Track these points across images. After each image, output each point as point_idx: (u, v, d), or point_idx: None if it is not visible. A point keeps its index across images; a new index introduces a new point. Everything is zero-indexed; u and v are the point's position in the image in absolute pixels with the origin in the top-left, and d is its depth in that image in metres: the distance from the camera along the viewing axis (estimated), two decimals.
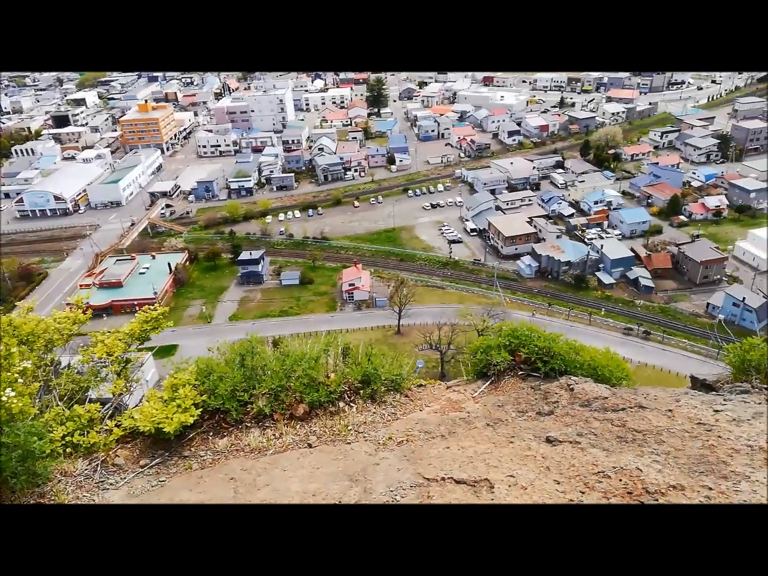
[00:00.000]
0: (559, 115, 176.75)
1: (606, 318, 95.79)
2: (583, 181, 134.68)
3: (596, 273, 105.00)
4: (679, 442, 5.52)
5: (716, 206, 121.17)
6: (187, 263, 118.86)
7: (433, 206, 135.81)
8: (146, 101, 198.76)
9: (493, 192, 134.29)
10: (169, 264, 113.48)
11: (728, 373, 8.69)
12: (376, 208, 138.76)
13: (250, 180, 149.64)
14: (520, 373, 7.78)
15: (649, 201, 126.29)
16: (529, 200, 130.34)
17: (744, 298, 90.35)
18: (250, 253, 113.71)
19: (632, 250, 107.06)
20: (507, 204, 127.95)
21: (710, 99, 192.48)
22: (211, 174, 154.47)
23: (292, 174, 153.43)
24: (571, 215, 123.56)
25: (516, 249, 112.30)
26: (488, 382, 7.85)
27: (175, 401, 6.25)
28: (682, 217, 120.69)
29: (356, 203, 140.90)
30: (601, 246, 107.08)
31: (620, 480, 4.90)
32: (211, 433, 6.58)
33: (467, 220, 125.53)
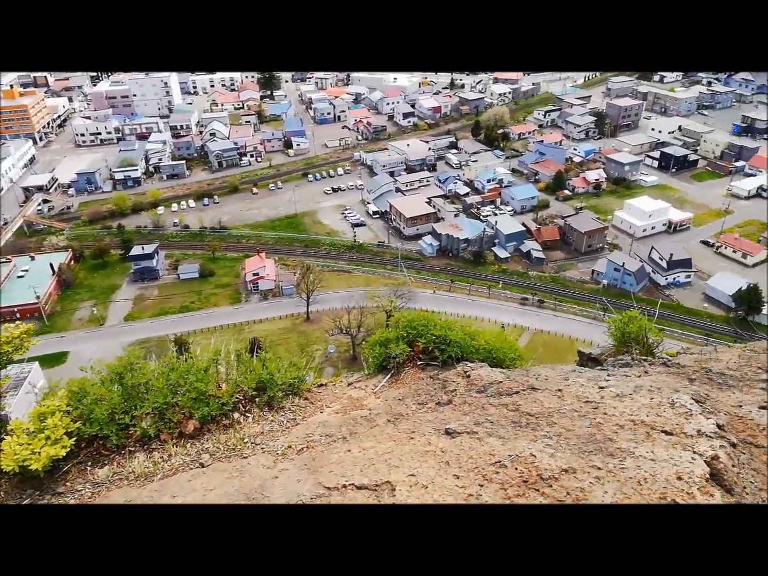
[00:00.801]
0: (450, 96, 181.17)
1: (504, 290, 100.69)
2: (476, 160, 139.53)
3: (492, 248, 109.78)
4: (569, 422, 5.64)
5: (596, 180, 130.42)
6: (72, 262, 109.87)
7: (335, 190, 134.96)
8: (11, 87, 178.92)
9: (392, 174, 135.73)
10: (51, 265, 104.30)
11: (611, 344, 9.24)
12: (275, 194, 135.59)
13: (137, 169, 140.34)
14: (419, 363, 7.73)
15: (537, 177, 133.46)
16: (427, 181, 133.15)
17: (623, 263, 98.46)
18: (143, 248, 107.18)
19: (523, 224, 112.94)
20: (406, 185, 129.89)
21: (587, 79, 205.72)
22: (92, 164, 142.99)
23: (183, 161, 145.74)
24: (467, 194, 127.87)
25: (417, 229, 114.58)
26: (388, 376, 7.72)
27: (43, 432, 5.59)
28: (566, 191, 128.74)
29: (255, 190, 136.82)
30: (496, 222, 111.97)
31: (516, 469, 4.95)
32: (90, 463, 5.92)
33: (369, 203, 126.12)
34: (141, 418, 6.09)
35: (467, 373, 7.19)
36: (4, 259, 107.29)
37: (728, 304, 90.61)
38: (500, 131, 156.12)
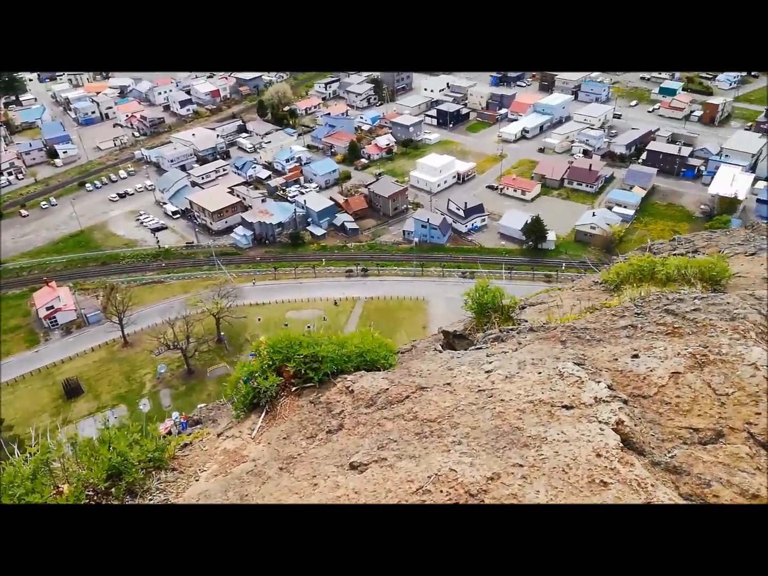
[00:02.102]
0: (226, 78, 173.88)
1: (328, 267, 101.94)
2: (270, 141, 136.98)
3: (307, 227, 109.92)
4: (471, 418, 5.42)
5: (387, 144, 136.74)
6: None
7: (122, 196, 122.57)
8: None
9: (183, 168, 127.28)
10: None
11: (470, 317, 9.41)
12: (51, 212, 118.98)
13: None
14: (294, 389, 6.95)
15: (333, 150, 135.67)
16: (224, 170, 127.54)
17: (428, 219, 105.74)
18: None
19: (331, 198, 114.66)
20: (202, 178, 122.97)
21: None
22: None
23: None
24: (269, 177, 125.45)
25: (226, 222, 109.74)
26: (263, 414, 6.83)
27: None
28: (363, 160, 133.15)
29: (23, 212, 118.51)
30: (305, 201, 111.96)
31: (441, 491, 4.61)
32: None
33: (165, 203, 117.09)
34: None
35: (349, 388, 6.59)
36: None
37: (519, 238, 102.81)
38: (286, 108, 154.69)
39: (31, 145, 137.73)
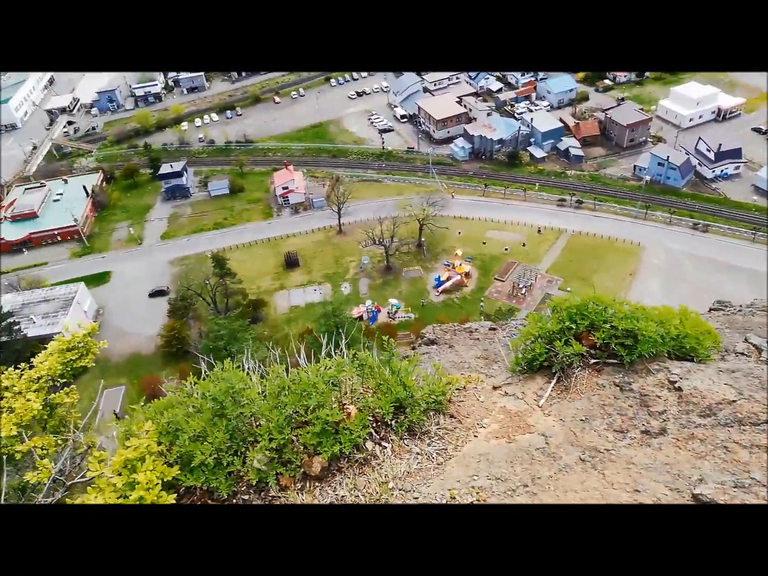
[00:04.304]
0: None
1: (540, 192, 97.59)
2: None
3: (528, 148, 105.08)
4: None
5: None
6: (104, 184, 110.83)
7: (359, 94, 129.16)
8: None
9: (419, 73, 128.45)
10: (84, 187, 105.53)
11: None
12: (298, 102, 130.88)
13: (156, 84, 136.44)
14: (593, 362, 5.72)
15: None
16: (457, 78, 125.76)
17: (668, 157, 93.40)
18: (171, 166, 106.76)
19: (561, 120, 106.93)
20: (435, 85, 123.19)
21: None
22: (111, 82, 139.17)
23: (202, 73, 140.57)
24: (500, 90, 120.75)
25: (448, 132, 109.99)
26: (554, 381, 5.80)
27: (134, 488, 4.40)
28: (607, 81, 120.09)
29: (277, 99, 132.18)
30: (531, 120, 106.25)
31: None
32: None
33: (396, 106, 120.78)
34: (253, 459, 4.91)
35: (676, 384, 5.24)
36: (38, 184, 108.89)
37: None
38: None
39: None
